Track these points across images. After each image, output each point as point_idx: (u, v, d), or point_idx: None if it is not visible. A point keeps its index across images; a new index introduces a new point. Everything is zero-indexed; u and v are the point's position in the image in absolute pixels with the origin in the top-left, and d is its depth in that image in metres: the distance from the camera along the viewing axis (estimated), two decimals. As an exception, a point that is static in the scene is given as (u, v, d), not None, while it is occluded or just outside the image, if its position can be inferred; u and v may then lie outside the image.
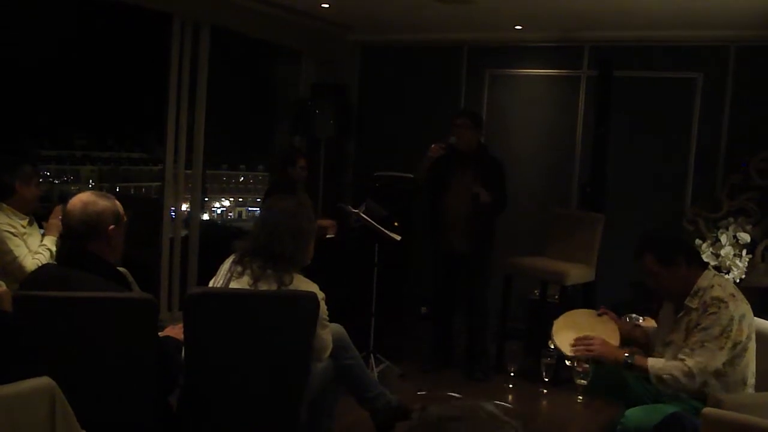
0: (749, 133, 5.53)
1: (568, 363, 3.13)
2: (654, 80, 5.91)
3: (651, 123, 5.93)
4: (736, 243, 5.01)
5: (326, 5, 5.67)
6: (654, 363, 2.92)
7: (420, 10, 5.58)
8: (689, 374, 2.82)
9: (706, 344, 2.84)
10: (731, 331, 2.83)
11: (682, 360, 2.85)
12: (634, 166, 5.92)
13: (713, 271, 3.08)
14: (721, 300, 2.87)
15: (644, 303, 4.76)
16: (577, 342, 3.09)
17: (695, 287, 2.97)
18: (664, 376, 2.86)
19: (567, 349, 3.13)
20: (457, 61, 6.62)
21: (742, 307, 2.90)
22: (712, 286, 2.94)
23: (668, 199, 5.84)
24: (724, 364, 2.84)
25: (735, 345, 2.85)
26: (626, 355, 3.00)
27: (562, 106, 6.27)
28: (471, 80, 6.59)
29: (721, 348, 2.82)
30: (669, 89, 5.88)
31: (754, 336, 2.92)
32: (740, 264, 4.95)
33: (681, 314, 3.02)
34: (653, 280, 3.06)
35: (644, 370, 2.93)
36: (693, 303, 2.96)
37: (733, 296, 2.91)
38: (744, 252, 4.98)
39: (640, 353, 3.10)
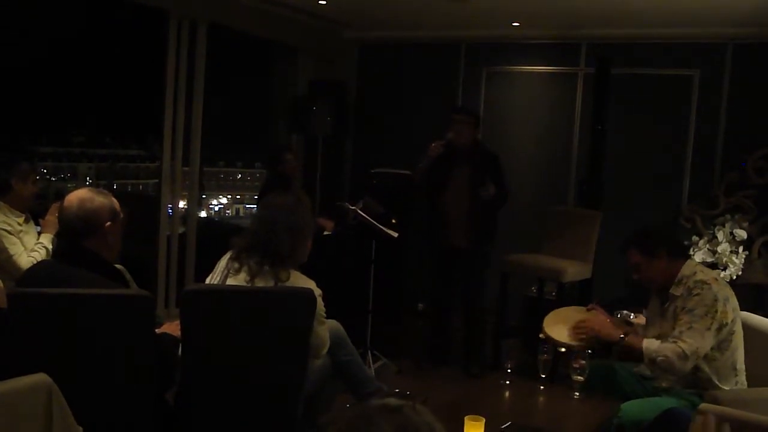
0: (746, 130, 5.54)
1: (562, 350, 3.18)
2: (651, 77, 5.92)
3: (648, 120, 5.93)
4: (732, 240, 5.02)
5: (323, 2, 5.66)
6: (649, 344, 2.96)
7: (417, 8, 5.58)
8: (683, 356, 2.86)
9: (693, 325, 2.89)
10: (716, 311, 2.89)
11: (675, 342, 2.89)
12: (631, 164, 5.92)
13: (695, 261, 3.16)
14: (704, 282, 2.96)
15: (641, 300, 4.77)
16: (575, 327, 3.19)
17: (678, 276, 3.06)
18: (659, 358, 2.90)
19: (561, 338, 3.18)
20: (455, 58, 6.62)
21: (725, 290, 2.98)
22: (695, 273, 3.04)
23: (665, 196, 5.85)
24: (712, 348, 2.89)
25: (721, 327, 2.90)
26: (621, 335, 3.08)
27: (560, 103, 6.28)
28: (468, 77, 6.59)
29: (708, 329, 2.88)
30: (666, 86, 5.88)
31: (739, 321, 2.99)
32: (737, 261, 4.96)
33: (667, 304, 3.10)
34: (638, 272, 3.16)
35: (637, 350, 2.99)
36: (677, 291, 3.05)
37: (716, 280, 3.01)
38: (741, 249, 4.99)
39: (634, 333, 3.16)
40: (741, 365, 2.97)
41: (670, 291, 3.07)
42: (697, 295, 2.94)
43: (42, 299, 2.40)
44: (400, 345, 5.35)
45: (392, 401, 1.19)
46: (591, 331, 3.15)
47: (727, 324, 2.91)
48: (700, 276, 3.00)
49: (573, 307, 3.64)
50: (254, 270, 2.76)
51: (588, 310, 3.41)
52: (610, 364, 3.30)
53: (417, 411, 1.17)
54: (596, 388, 3.23)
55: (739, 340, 2.97)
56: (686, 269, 3.07)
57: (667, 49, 5.86)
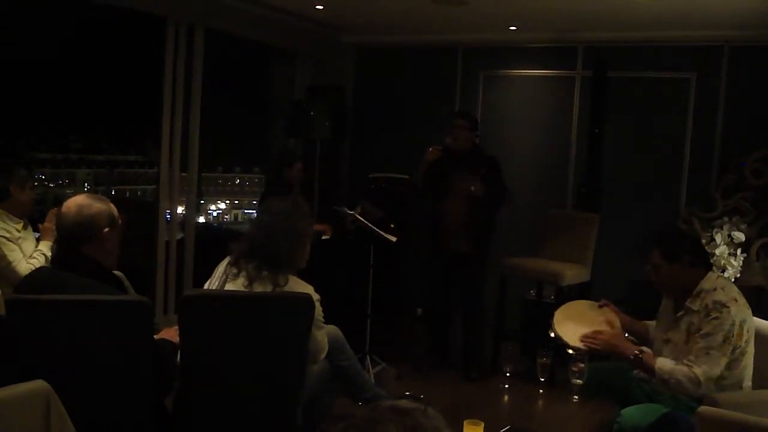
0: (743, 132, 5.55)
1: (570, 351, 3.12)
2: (648, 80, 5.93)
3: (645, 123, 5.94)
4: (730, 242, 5.03)
5: (320, 7, 5.67)
6: (662, 365, 2.88)
7: (414, 12, 5.59)
8: (696, 382, 2.79)
9: (711, 352, 2.81)
10: (733, 336, 2.82)
11: (689, 366, 2.82)
12: (628, 166, 5.93)
13: (716, 273, 3.06)
14: (723, 305, 2.85)
15: (639, 303, 4.77)
16: (587, 336, 3.09)
17: (697, 288, 2.95)
18: (671, 380, 2.83)
19: (571, 340, 3.13)
20: (452, 62, 6.63)
21: (743, 311, 2.88)
22: (715, 289, 2.91)
23: (663, 199, 5.85)
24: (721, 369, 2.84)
25: (734, 349, 2.84)
26: (636, 352, 2.98)
27: (557, 106, 6.28)
28: (465, 81, 6.60)
29: (725, 355, 2.82)
30: (663, 89, 5.89)
31: (752, 340, 2.91)
32: (735, 263, 4.96)
33: (681, 314, 3.01)
34: (655, 273, 3.06)
35: (650, 370, 2.92)
36: (694, 305, 2.94)
37: (736, 301, 2.88)
38: (739, 251, 5.00)
39: (649, 352, 3.07)
40: (748, 382, 2.91)
41: (687, 303, 2.97)
42: (715, 318, 2.83)
43: (40, 306, 2.40)
44: (399, 349, 5.34)
45: (403, 403, 1.18)
46: (606, 345, 3.05)
47: (740, 346, 2.84)
48: (720, 296, 2.88)
49: (584, 301, 3.53)
50: (252, 275, 2.76)
51: (600, 306, 3.32)
52: (610, 367, 3.28)
53: (427, 415, 1.16)
54: (596, 393, 3.21)
55: (749, 360, 2.90)
56: (706, 283, 2.95)
57: (664, 51, 5.87)
